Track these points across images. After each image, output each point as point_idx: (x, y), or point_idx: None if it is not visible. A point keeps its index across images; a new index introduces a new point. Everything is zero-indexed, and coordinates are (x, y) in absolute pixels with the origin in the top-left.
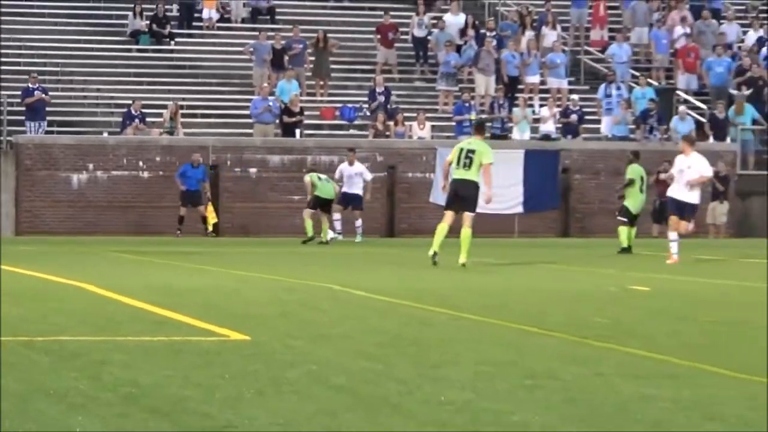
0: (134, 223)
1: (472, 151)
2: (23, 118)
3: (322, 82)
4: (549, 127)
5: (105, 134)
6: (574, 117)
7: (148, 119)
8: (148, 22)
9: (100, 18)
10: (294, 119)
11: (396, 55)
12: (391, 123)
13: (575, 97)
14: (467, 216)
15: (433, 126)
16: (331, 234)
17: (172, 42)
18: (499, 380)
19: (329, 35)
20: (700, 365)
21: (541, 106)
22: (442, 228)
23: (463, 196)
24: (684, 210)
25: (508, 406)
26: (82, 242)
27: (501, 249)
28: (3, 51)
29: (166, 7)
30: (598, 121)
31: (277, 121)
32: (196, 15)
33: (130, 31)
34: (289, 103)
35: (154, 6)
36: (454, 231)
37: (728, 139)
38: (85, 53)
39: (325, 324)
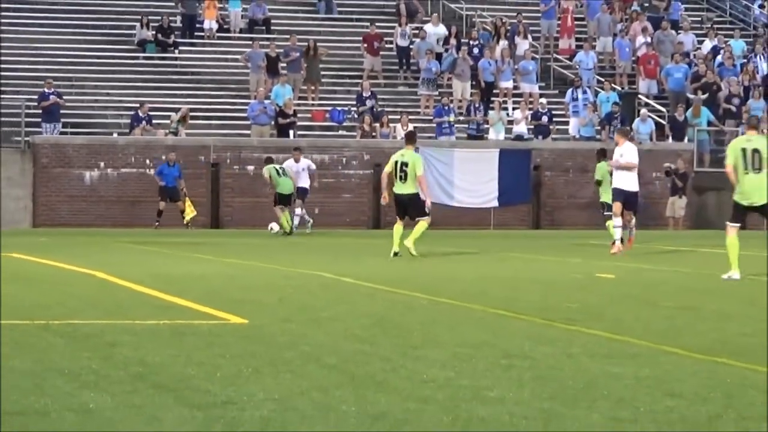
0: (141, 216)
1: (406, 164)
2: (40, 120)
3: (313, 87)
4: (521, 128)
5: (115, 135)
6: (544, 119)
7: (154, 121)
8: (154, 32)
9: (110, 28)
10: (288, 121)
11: (381, 62)
12: (377, 124)
13: (544, 101)
14: (420, 220)
15: (415, 127)
16: (301, 223)
17: (176, 50)
18: (477, 360)
19: (319, 44)
20: (660, 346)
21: (514, 109)
22: (397, 228)
23: (408, 207)
24: (629, 198)
25: (485, 383)
26: (94, 234)
27: (477, 240)
28: (21, 59)
29: (171, 18)
30: (567, 123)
31: (273, 122)
32: (197, 26)
33: (137, 40)
34: (284, 106)
35: (160, 17)
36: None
37: (686, 140)
38: (96, 60)
39: (317, 308)
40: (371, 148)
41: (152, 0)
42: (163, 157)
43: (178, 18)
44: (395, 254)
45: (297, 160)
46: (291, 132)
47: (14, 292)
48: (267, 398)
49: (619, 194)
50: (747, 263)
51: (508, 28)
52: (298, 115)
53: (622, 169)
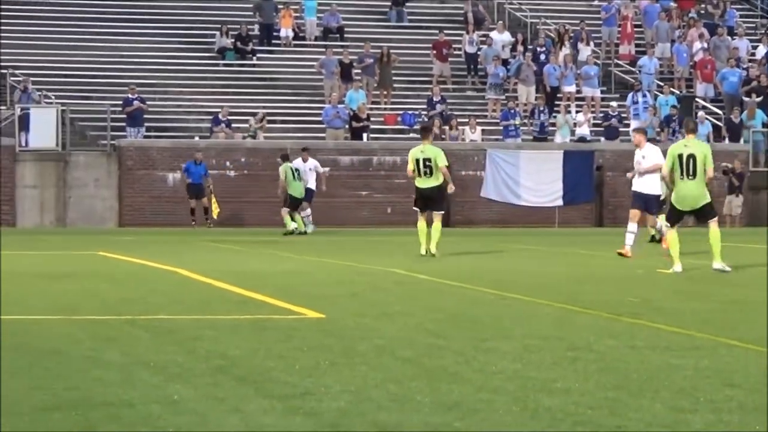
0: (222, 215)
1: (429, 159)
2: (124, 124)
3: (386, 92)
4: (584, 130)
5: (196, 138)
6: (613, 121)
7: (233, 125)
8: (233, 40)
9: (191, 37)
10: (361, 125)
11: (450, 68)
12: (446, 127)
13: (614, 104)
14: (437, 214)
15: (482, 130)
16: (311, 227)
17: (254, 57)
18: (544, 352)
19: (391, 51)
20: (718, 338)
21: (577, 112)
22: (422, 227)
23: (431, 199)
24: (649, 203)
25: (552, 374)
26: (176, 233)
27: (543, 237)
28: (107, 66)
29: (249, 27)
30: (627, 125)
31: (346, 126)
32: (274, 34)
33: (217, 48)
34: (357, 111)
35: (238, 26)
36: (506, 222)
37: (741, 141)
38: (178, 67)
39: (390, 303)
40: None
41: (231, 9)
42: (195, 155)
43: (256, 27)
44: (426, 252)
45: (305, 160)
46: (364, 135)
47: (101, 289)
48: (344, 390)
49: (638, 198)
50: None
51: (571, 35)
52: (371, 119)
53: (648, 172)
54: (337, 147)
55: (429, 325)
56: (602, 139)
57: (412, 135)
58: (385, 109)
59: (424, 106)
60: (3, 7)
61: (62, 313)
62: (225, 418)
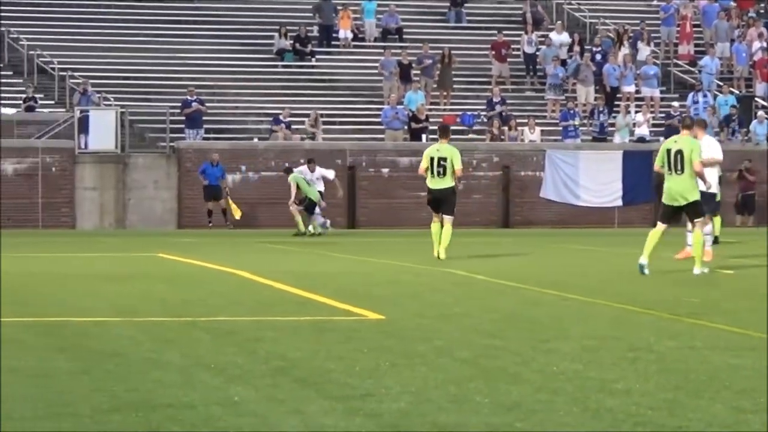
0: (280, 217)
1: (444, 159)
2: (183, 126)
3: (445, 93)
4: (644, 130)
5: (255, 140)
6: (675, 120)
7: (292, 126)
8: (291, 41)
9: (250, 38)
10: (420, 125)
11: (509, 68)
12: (506, 128)
13: (676, 104)
14: (447, 218)
15: (542, 130)
16: (327, 227)
17: (313, 59)
18: (604, 352)
19: (450, 52)
20: None
21: (637, 112)
22: (435, 228)
23: (441, 201)
24: (704, 199)
25: (612, 375)
26: (235, 234)
27: (602, 238)
28: (166, 68)
29: (308, 28)
30: None
31: (405, 127)
32: (333, 35)
33: (276, 49)
34: (416, 112)
35: (297, 28)
36: (556, 222)
37: None
38: (237, 69)
39: (449, 304)
40: (500, 150)
41: (291, 11)
42: (212, 156)
43: (315, 28)
44: (438, 257)
45: (312, 171)
46: (423, 136)
47: (161, 291)
48: (404, 391)
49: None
50: None
51: (631, 34)
52: (430, 120)
53: (705, 166)
54: (396, 148)
55: (487, 325)
56: (662, 139)
57: (471, 136)
58: (444, 109)
59: (483, 107)
60: (63, 9)
61: (122, 315)
62: (285, 419)
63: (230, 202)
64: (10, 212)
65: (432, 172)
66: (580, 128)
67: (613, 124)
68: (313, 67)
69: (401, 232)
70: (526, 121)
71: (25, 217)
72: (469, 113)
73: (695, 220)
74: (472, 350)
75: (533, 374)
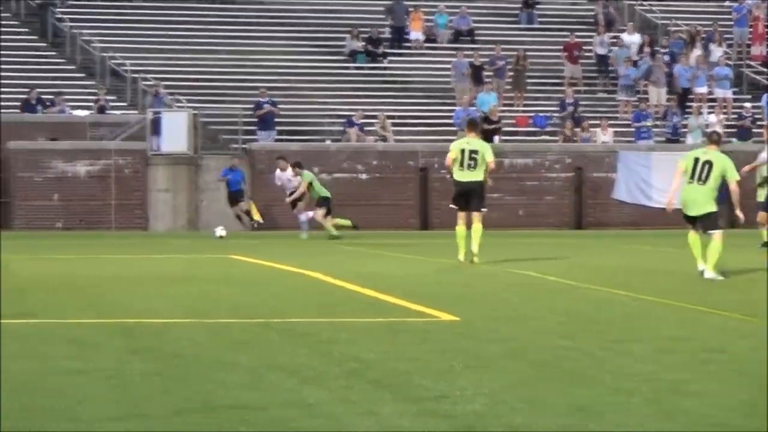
0: (354, 219)
1: (475, 152)
2: (256, 128)
3: (519, 94)
4: None
5: (327, 141)
6: (747, 121)
7: (364, 128)
8: (363, 43)
9: (322, 40)
10: (493, 127)
11: (581, 70)
12: (578, 129)
13: (748, 105)
14: (476, 214)
15: (614, 131)
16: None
17: (385, 60)
18: (677, 354)
19: (521, 53)
20: None
21: (709, 113)
22: (461, 230)
23: (471, 195)
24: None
25: (686, 376)
26: (308, 236)
27: (674, 239)
28: (238, 69)
29: (380, 30)
30: (761, 126)
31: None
32: (405, 36)
33: (348, 50)
34: (489, 113)
35: (369, 29)
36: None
37: None
38: (309, 71)
39: (521, 305)
40: (573, 152)
41: (362, 12)
42: (232, 161)
43: (387, 29)
44: (466, 258)
45: (284, 170)
46: (495, 138)
47: (232, 292)
48: (478, 392)
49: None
50: None
51: (703, 36)
52: (503, 121)
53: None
54: None
55: (559, 326)
56: (734, 140)
57: (544, 137)
58: (516, 111)
59: (555, 108)
60: (135, 12)
61: (194, 316)
62: (359, 421)
63: (252, 205)
64: (83, 214)
65: (461, 165)
66: (653, 129)
67: (685, 126)
68: (384, 68)
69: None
70: (598, 122)
71: (98, 219)
72: (541, 115)
73: (709, 232)
74: (545, 352)
75: (606, 375)
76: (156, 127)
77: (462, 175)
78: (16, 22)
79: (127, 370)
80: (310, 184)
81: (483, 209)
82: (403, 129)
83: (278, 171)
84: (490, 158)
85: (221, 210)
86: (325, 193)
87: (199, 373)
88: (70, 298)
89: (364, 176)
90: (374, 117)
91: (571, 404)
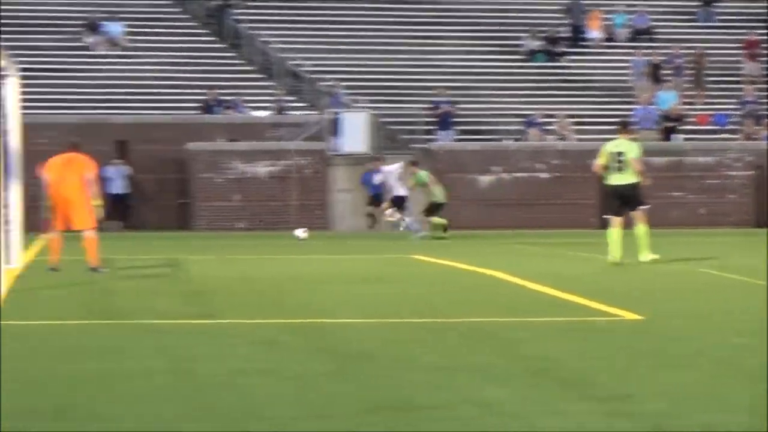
0: (536, 218)
1: (622, 153)
2: (435, 128)
3: (699, 92)
4: None
5: (506, 141)
6: None
7: (544, 127)
8: (542, 42)
9: (500, 39)
10: (672, 125)
11: (761, 67)
12: (758, 127)
13: None
14: (638, 214)
15: None
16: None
17: (563, 59)
18: None
19: (699, 51)
20: None
21: None
22: (615, 232)
23: (628, 197)
24: None
25: None
26: (489, 236)
27: None
28: (416, 69)
29: (558, 29)
30: None
31: (658, 127)
32: (583, 35)
33: (526, 50)
34: (669, 111)
35: (547, 29)
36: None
37: None
38: (488, 70)
39: (704, 304)
40: (753, 150)
41: (540, 12)
42: (371, 165)
43: (565, 29)
44: (617, 263)
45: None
46: (676, 136)
47: (415, 292)
48: (663, 392)
49: None
50: None
51: None
52: (683, 119)
53: None
54: (649, 148)
55: (743, 325)
56: None
57: (724, 135)
58: (697, 109)
59: (735, 106)
60: (312, 12)
61: (377, 316)
62: (545, 420)
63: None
64: (263, 214)
65: (612, 168)
66: None
67: None
68: (563, 67)
69: (654, 231)
70: None
71: (279, 220)
72: (721, 113)
73: None
74: (729, 350)
75: None
76: (335, 127)
77: (615, 179)
78: (195, 24)
79: (312, 370)
80: (425, 185)
81: (643, 207)
82: (583, 128)
83: (383, 167)
84: (632, 155)
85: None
86: (440, 198)
87: (383, 373)
88: (253, 299)
89: (544, 175)
90: (553, 116)
91: (759, 404)
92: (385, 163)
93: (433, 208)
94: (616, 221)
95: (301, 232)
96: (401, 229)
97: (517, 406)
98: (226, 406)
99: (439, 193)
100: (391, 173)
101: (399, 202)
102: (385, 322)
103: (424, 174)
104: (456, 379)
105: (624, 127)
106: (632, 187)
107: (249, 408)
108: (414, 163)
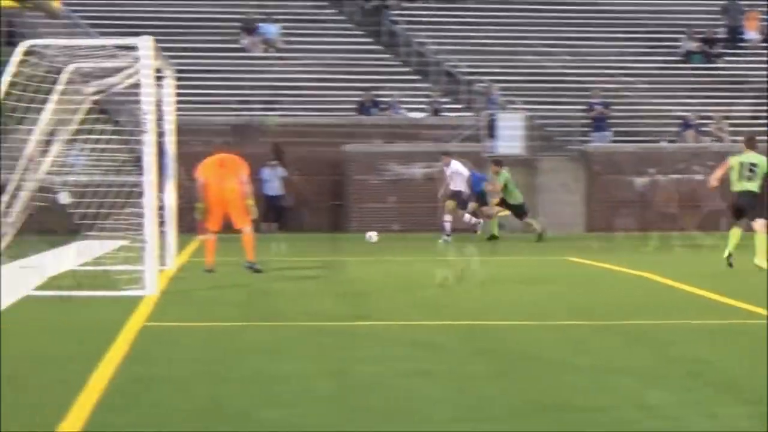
0: (690, 220)
1: (755, 165)
2: (591, 129)
3: None
4: None
5: (663, 143)
6: None
7: (700, 129)
8: (699, 43)
9: (656, 40)
10: None
11: None
12: None
13: None
14: (756, 224)
15: None
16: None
17: (720, 60)
18: None
19: None
20: None
21: None
22: (736, 232)
23: (744, 206)
24: None
25: None
26: (644, 237)
27: None
28: (572, 70)
29: (715, 30)
30: None
31: None
32: (740, 36)
33: (683, 51)
34: None
35: (704, 29)
36: None
37: None
38: (644, 71)
39: None
40: None
41: (697, 12)
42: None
43: (722, 29)
44: (729, 256)
45: (447, 165)
46: None
47: (572, 294)
48: None
49: None
50: None
51: None
52: None
53: None
54: None
55: None
56: None
57: None
58: None
59: None
60: (468, 13)
61: (535, 318)
62: (701, 422)
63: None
64: (419, 216)
65: (740, 176)
66: None
67: None
68: (720, 68)
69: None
70: None
71: (435, 222)
72: None
73: None
74: None
75: None
76: (491, 129)
77: (739, 185)
78: (351, 25)
79: (470, 371)
80: (506, 186)
81: (760, 218)
82: (740, 129)
83: (452, 163)
84: (765, 169)
85: (558, 211)
86: (519, 200)
87: (541, 374)
88: (409, 300)
89: (701, 177)
90: (709, 118)
91: None
92: (453, 158)
93: (516, 211)
94: (737, 225)
95: (373, 236)
96: (478, 232)
97: (674, 409)
98: (382, 407)
99: (518, 195)
100: (458, 171)
101: (458, 197)
102: (543, 324)
103: (508, 175)
104: (612, 382)
105: (751, 141)
106: (752, 195)
107: (406, 409)
108: (498, 163)
